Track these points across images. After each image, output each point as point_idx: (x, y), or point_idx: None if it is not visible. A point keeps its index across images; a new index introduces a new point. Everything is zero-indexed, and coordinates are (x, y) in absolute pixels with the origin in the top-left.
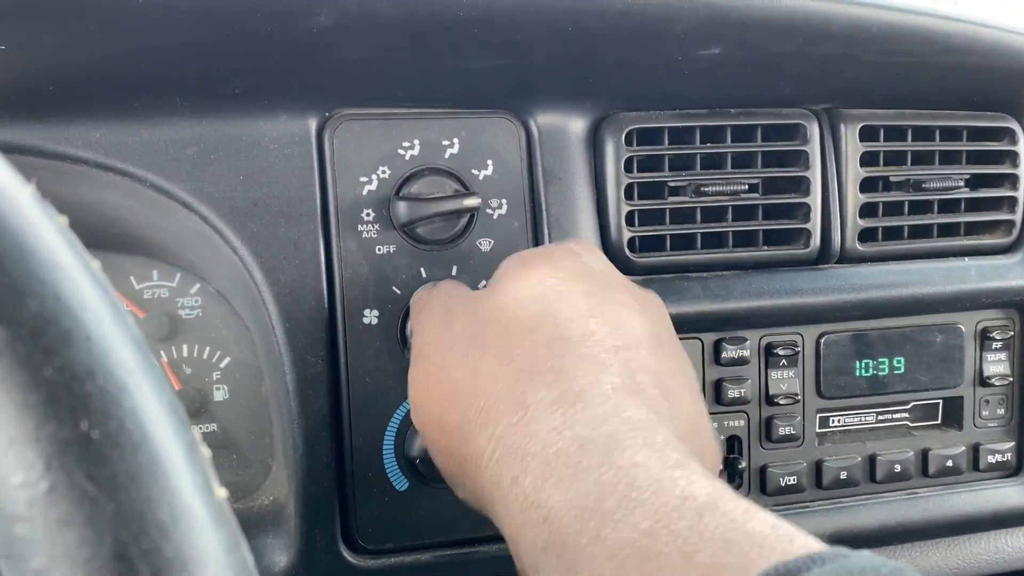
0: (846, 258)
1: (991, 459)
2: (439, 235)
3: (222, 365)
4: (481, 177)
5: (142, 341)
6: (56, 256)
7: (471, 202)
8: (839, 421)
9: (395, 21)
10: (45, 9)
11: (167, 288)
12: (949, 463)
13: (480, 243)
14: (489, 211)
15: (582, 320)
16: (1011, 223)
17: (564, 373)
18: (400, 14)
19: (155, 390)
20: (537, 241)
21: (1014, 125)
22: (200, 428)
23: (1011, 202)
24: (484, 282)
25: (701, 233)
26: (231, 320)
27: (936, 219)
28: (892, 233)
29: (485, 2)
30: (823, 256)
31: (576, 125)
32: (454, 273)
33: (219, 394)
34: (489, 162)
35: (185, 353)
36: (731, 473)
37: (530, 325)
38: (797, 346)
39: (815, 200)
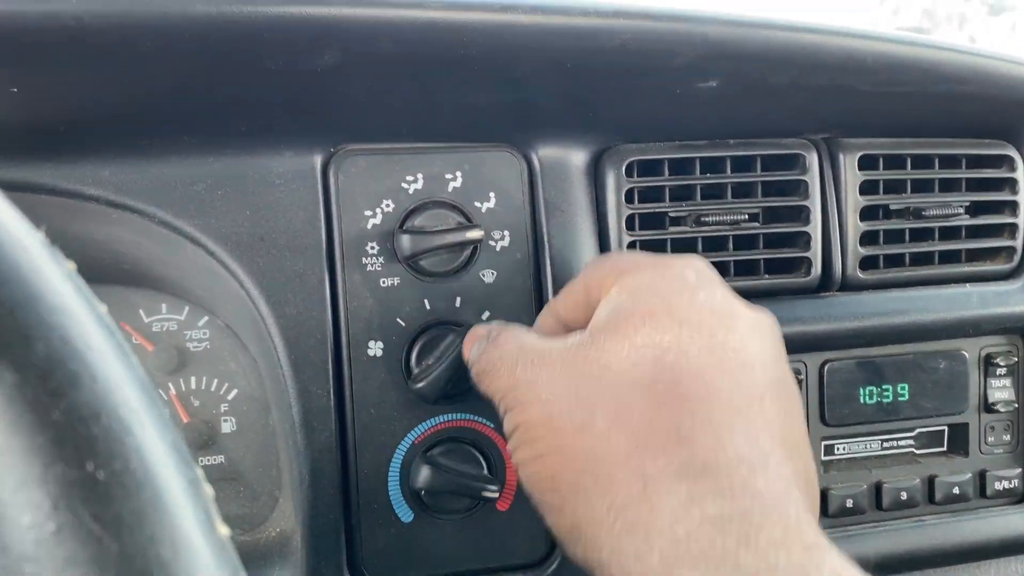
0: (848, 286)
1: (998, 486)
2: (443, 267)
3: (230, 397)
4: (484, 209)
5: (146, 380)
6: (63, 301)
7: (473, 235)
8: (844, 448)
9: (398, 59)
10: (56, 53)
11: (176, 321)
12: (956, 490)
13: (483, 274)
14: (492, 243)
15: (699, 378)
16: (1012, 249)
17: (684, 440)
18: (403, 53)
19: (158, 429)
20: (539, 273)
21: (1012, 152)
22: (208, 460)
23: (1011, 229)
24: (493, 319)
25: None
26: (238, 353)
27: (937, 246)
28: (893, 260)
29: (486, 40)
30: (825, 284)
31: (577, 157)
32: (458, 305)
33: (227, 426)
34: (491, 194)
35: (193, 385)
36: None
37: (640, 384)
38: (801, 374)
39: (815, 229)
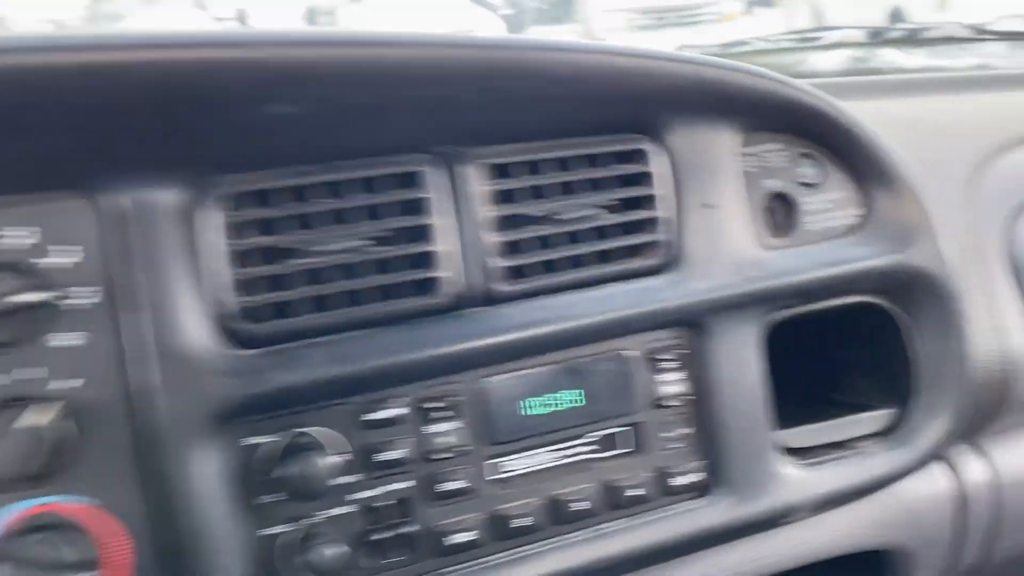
0: (493, 300)
1: (680, 481)
2: (6, 336)
3: None
4: (53, 266)
5: None
6: None
7: (30, 297)
8: (513, 465)
9: None
10: None
11: None
12: (636, 492)
13: (55, 338)
14: (69, 301)
15: None
16: (656, 244)
17: None
18: None
19: None
20: (137, 327)
21: (646, 146)
22: None
23: (652, 223)
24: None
25: (331, 294)
26: None
27: (584, 248)
28: (543, 267)
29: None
30: (465, 301)
31: (167, 197)
32: (31, 377)
33: None
34: (63, 248)
35: None
36: (400, 540)
37: None
38: (456, 395)
39: (446, 246)
